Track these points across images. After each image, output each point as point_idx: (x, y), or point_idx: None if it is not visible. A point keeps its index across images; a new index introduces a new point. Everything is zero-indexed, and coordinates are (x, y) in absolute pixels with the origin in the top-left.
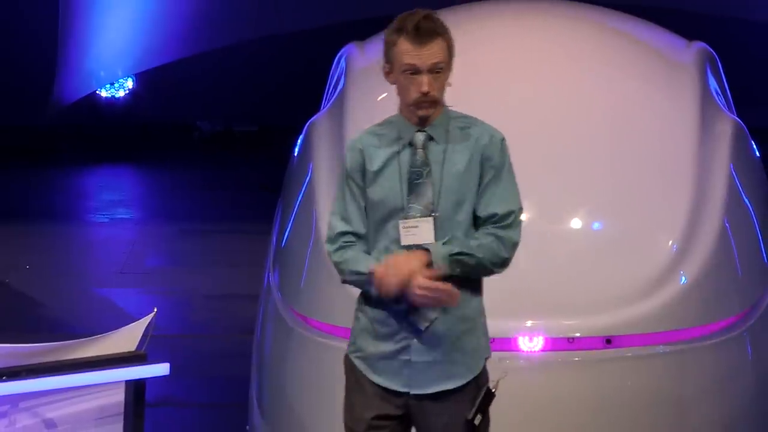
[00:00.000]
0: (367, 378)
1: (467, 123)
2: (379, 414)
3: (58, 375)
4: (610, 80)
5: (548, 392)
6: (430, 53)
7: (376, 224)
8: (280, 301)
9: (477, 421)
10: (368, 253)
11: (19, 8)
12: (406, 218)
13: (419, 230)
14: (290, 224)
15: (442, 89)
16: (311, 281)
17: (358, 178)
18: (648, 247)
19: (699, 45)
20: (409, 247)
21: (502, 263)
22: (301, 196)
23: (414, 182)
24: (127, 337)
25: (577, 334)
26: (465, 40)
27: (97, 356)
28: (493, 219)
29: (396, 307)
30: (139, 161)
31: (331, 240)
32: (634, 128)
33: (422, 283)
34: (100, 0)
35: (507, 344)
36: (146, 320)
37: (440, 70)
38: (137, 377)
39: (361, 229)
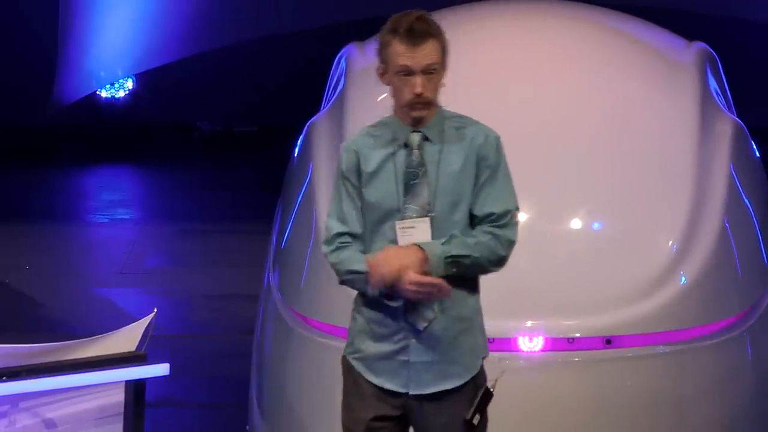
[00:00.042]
0: (365, 379)
1: (462, 123)
2: (377, 415)
3: (58, 375)
4: (610, 80)
5: (548, 392)
6: (423, 54)
7: (372, 226)
8: (280, 301)
9: (475, 421)
10: (365, 253)
11: (19, 8)
12: (402, 219)
13: (416, 231)
14: (290, 224)
15: (436, 90)
16: (311, 281)
17: (354, 178)
18: (648, 247)
19: (699, 45)
20: None
21: (499, 261)
22: (301, 196)
23: (410, 183)
24: (127, 337)
25: (577, 334)
26: (465, 40)
27: (97, 356)
28: (490, 218)
29: (392, 306)
30: (139, 161)
31: (328, 242)
32: (634, 128)
33: (413, 279)
34: (100, 0)
35: (507, 344)
36: (146, 320)
37: (434, 71)
38: (137, 377)
39: (357, 229)
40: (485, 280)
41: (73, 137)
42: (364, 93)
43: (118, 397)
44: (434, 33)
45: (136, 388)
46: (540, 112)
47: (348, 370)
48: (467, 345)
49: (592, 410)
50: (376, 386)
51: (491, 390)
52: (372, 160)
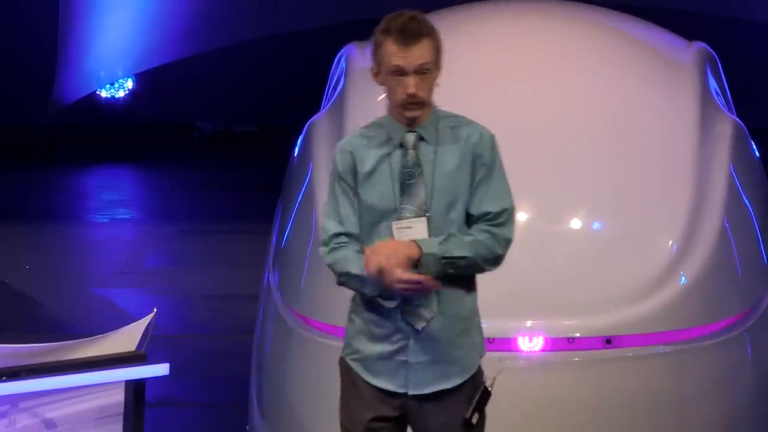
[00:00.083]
0: (363, 380)
1: (456, 122)
2: (376, 416)
3: (58, 375)
4: (610, 80)
5: (548, 392)
6: (415, 54)
7: (368, 226)
8: (280, 301)
9: (474, 420)
10: (361, 253)
11: (19, 8)
12: (399, 219)
13: (413, 231)
14: (290, 224)
15: (429, 90)
16: (311, 281)
17: (350, 179)
18: (648, 247)
19: (699, 45)
20: None
21: (496, 260)
22: (301, 196)
23: (406, 183)
24: (127, 337)
25: (577, 334)
26: (465, 40)
27: (97, 356)
28: (487, 217)
29: (388, 305)
30: (139, 161)
31: (325, 243)
32: (634, 128)
33: (401, 277)
34: (100, 0)
35: (507, 344)
36: (146, 320)
37: (427, 71)
38: (137, 377)
39: (354, 229)
40: (485, 280)
41: (73, 137)
42: (364, 93)
43: (118, 397)
44: (427, 33)
45: (136, 388)
46: (540, 112)
47: (346, 371)
48: (466, 344)
49: (592, 410)
50: (374, 387)
51: (489, 389)
52: (367, 160)
